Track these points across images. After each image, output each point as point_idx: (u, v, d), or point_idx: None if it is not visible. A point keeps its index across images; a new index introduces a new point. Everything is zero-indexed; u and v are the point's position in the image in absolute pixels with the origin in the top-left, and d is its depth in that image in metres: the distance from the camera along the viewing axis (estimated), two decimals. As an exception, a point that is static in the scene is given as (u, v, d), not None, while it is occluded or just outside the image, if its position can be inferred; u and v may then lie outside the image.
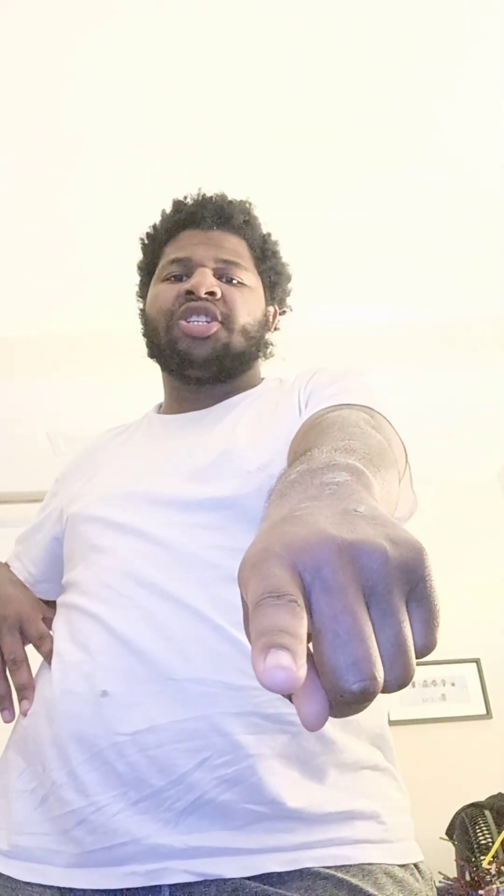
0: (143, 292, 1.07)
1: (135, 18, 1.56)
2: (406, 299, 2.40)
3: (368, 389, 0.81)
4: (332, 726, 0.68)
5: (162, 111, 1.77)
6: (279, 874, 0.61)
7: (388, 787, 0.71)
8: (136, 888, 0.62)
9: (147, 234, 1.07)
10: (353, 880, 0.61)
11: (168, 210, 1.05)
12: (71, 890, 0.64)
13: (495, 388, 2.64)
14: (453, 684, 2.71)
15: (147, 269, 1.06)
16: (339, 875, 0.61)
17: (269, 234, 1.06)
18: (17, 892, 0.66)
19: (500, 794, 2.24)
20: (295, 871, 0.61)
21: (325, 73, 1.70)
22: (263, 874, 0.61)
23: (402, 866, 0.66)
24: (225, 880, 0.61)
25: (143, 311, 1.05)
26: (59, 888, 0.64)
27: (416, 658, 0.33)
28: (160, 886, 0.62)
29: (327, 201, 2.02)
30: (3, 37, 1.59)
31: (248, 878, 0.61)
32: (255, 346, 0.98)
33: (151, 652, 0.68)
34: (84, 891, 0.64)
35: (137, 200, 1.95)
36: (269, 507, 0.42)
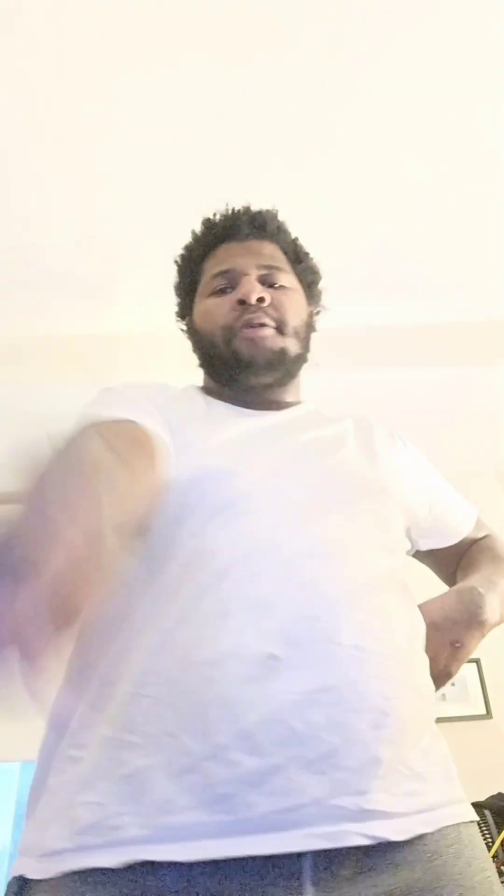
0: (183, 312, 1.10)
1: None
2: (406, 299, 2.40)
3: (463, 500, 1.11)
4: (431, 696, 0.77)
5: (169, 116, 1.77)
6: (425, 835, 0.65)
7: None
8: (276, 856, 0.60)
9: (182, 255, 1.09)
10: (482, 854, 0.68)
11: (198, 230, 1.08)
12: (228, 861, 0.60)
13: (495, 387, 2.64)
14: (453, 684, 2.71)
15: (186, 289, 1.08)
16: (472, 836, 0.69)
17: (297, 238, 1.10)
18: (180, 877, 0.59)
19: (500, 794, 2.24)
20: (437, 830, 0.66)
21: (319, 77, 1.70)
22: (414, 837, 0.64)
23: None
24: (370, 847, 0.62)
25: (190, 327, 1.07)
26: (213, 861, 0.59)
27: None
28: (304, 854, 0.60)
29: (327, 202, 2.02)
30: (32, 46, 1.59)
31: (403, 842, 0.63)
32: (306, 348, 1.04)
33: (314, 617, 0.70)
34: (234, 861, 0.60)
35: (141, 203, 1.95)
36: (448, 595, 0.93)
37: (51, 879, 0.61)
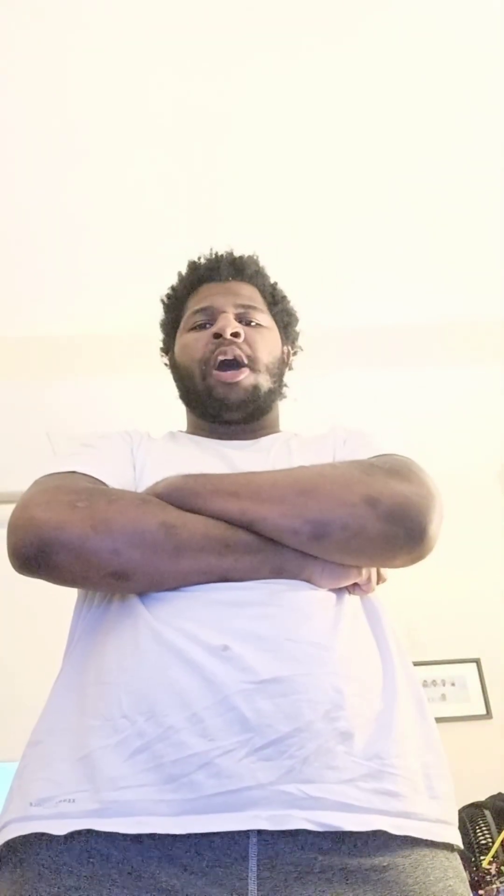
0: (167, 346, 1.19)
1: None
2: (407, 299, 2.40)
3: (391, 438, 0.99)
4: (415, 706, 0.77)
5: (165, 114, 1.78)
6: (387, 835, 0.65)
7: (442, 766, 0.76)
8: (221, 833, 0.62)
9: (167, 294, 1.19)
10: (446, 861, 0.68)
11: (184, 271, 1.17)
12: (174, 838, 0.63)
13: (495, 388, 2.64)
14: (453, 684, 2.71)
15: (170, 326, 1.17)
16: (440, 853, 0.67)
17: (276, 283, 1.18)
18: (124, 849, 0.62)
19: (500, 794, 2.24)
20: (401, 836, 0.65)
21: (337, 105, 1.70)
22: (374, 831, 0.64)
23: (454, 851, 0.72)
24: (316, 833, 0.63)
25: (172, 361, 1.15)
26: (164, 836, 0.62)
27: None
28: (248, 832, 0.63)
29: (329, 205, 2.02)
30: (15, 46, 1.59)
31: (360, 833, 0.64)
32: (278, 384, 1.11)
33: (268, 615, 0.74)
34: (182, 838, 0.63)
35: (142, 204, 1.95)
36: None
37: None
